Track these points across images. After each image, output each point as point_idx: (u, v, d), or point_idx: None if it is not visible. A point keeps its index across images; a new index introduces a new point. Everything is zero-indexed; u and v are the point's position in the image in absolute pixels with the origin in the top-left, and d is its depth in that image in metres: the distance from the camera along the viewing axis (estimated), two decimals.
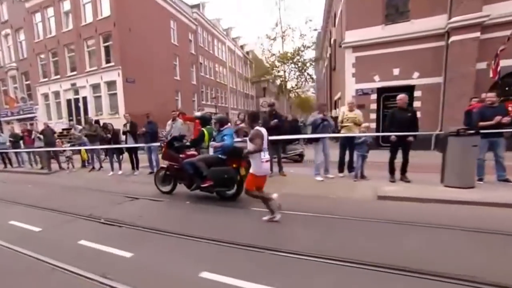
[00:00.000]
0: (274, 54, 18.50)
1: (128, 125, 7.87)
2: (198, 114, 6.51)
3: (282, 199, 3.85)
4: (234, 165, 4.62)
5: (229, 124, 4.96)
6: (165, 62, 22.37)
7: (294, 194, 5.26)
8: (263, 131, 3.71)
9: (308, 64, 19.46)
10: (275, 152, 6.73)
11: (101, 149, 8.66)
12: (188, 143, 5.44)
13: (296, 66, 19.17)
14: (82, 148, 9.44)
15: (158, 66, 20.70)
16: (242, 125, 6.76)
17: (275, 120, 6.39)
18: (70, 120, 18.88)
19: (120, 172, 8.22)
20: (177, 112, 7.22)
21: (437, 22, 9.94)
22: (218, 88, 35.69)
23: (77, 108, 18.66)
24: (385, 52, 10.84)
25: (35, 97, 20.85)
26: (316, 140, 5.88)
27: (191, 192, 5.28)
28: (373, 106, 11.41)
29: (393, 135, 5.56)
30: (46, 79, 19.94)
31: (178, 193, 5.56)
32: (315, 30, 22.03)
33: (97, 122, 9.21)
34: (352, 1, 11.11)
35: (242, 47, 46.50)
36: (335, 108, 17.59)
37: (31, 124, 18.39)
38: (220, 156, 4.68)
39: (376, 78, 11.17)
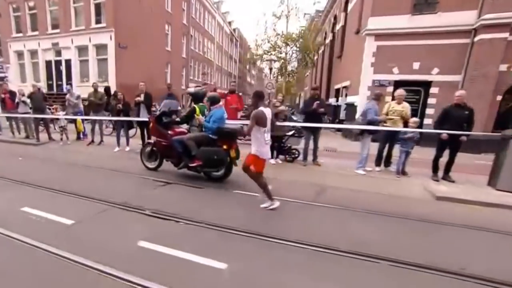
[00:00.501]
0: (278, 34, 17.49)
1: (142, 95, 6.92)
2: (191, 90, 5.92)
3: (329, 192, 3.95)
4: (224, 146, 4.53)
5: (220, 103, 4.77)
6: (158, 30, 20.58)
7: (340, 187, 4.94)
8: (267, 112, 3.53)
9: (311, 48, 18.61)
10: (312, 140, 6.24)
11: (108, 120, 7.63)
12: (178, 120, 5.28)
13: (299, 49, 18.32)
14: (79, 117, 8.30)
15: (151, 33, 18.95)
16: (282, 107, 6.15)
17: (317, 103, 5.88)
18: (49, 84, 16.89)
19: (127, 149, 7.32)
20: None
21: (465, 18, 9.65)
22: (206, 64, 34.15)
23: (59, 71, 16.67)
24: (408, 44, 10.46)
25: (5, 54, 18.31)
26: (370, 132, 5.44)
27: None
28: (388, 98, 11.11)
29: (444, 133, 5.26)
30: (21, 34, 17.47)
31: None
32: (306, 14, 20.86)
33: (107, 89, 8.06)
34: None
35: (230, 23, 44.53)
36: (336, 97, 17.28)
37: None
38: (210, 136, 4.57)
39: (395, 70, 10.84)
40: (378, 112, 5.58)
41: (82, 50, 15.94)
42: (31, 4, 16.84)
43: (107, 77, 15.49)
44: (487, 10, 9.13)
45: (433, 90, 10.54)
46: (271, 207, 3.63)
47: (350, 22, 15.03)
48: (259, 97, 3.66)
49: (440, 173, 5.54)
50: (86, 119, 8.40)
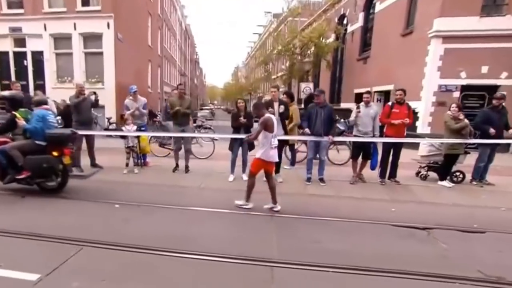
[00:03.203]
0: (303, 30, 15.97)
1: (276, 104, 4.66)
2: (5, 93, 5.19)
3: None
4: (55, 153, 4.18)
5: (45, 106, 4.52)
6: (143, 20, 17.32)
7: None
8: (274, 118, 3.77)
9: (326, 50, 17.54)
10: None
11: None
12: None
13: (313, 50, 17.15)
14: (145, 134, 5.42)
15: (138, 24, 15.72)
16: (466, 121, 5.10)
17: None
18: (3, 85, 12.19)
19: (245, 178, 4.91)
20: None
21: None
22: (171, 64, 30.50)
23: (21, 67, 12.16)
24: (477, 46, 10.09)
25: None
26: None
27: None
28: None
29: None
30: None
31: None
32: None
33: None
34: None
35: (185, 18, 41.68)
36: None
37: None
38: (38, 142, 4.21)
39: (463, 74, 10.38)
40: None
41: (60, 40, 11.87)
42: None
43: (102, 76, 11.83)
44: None
45: None
46: (244, 206, 3.80)
47: (381, 23, 14.36)
48: (266, 105, 4.15)
49: None
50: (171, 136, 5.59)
